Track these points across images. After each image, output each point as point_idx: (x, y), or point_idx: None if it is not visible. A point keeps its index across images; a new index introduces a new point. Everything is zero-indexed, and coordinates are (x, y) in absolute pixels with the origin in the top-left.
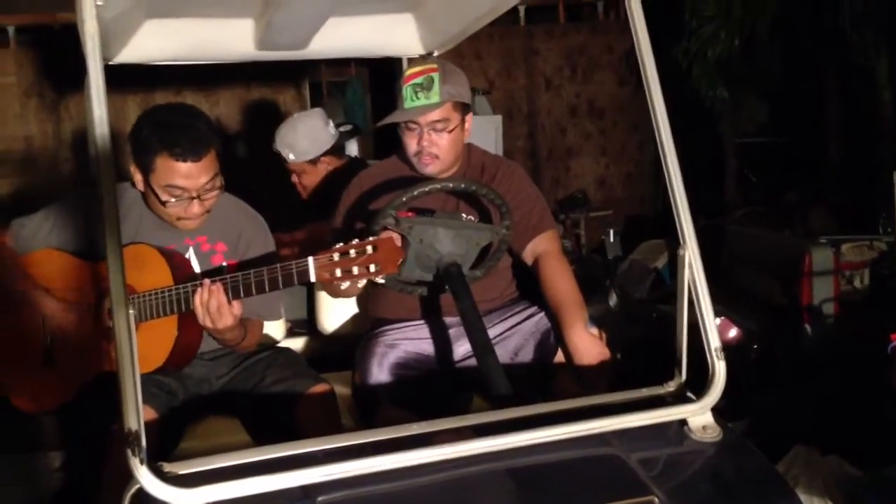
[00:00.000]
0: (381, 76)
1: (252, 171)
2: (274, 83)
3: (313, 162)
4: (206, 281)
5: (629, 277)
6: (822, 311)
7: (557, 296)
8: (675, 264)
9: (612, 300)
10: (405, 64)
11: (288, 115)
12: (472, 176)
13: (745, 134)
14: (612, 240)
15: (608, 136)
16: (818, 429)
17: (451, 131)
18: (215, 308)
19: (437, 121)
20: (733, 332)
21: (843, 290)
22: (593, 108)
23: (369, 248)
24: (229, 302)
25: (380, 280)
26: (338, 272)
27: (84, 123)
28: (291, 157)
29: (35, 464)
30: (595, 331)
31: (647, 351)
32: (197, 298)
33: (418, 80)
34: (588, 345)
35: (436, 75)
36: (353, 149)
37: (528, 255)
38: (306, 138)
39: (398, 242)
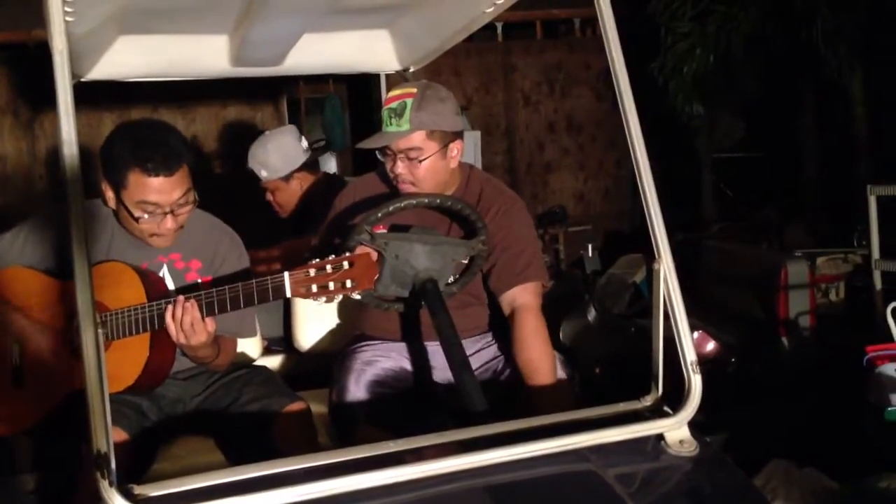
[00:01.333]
0: (359, 93)
1: (228, 188)
2: (251, 100)
3: (286, 179)
4: (180, 297)
5: (608, 292)
6: (798, 324)
7: (530, 364)
8: (652, 278)
9: (591, 315)
10: (383, 80)
11: (265, 131)
12: (466, 199)
13: (720, 149)
14: (590, 254)
15: (586, 152)
16: (795, 442)
17: (423, 160)
18: (189, 324)
19: (409, 149)
20: (711, 346)
21: (819, 304)
22: (571, 123)
23: (345, 264)
24: (203, 318)
25: (356, 296)
26: (314, 288)
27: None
28: (264, 174)
29: (8, 487)
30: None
31: (627, 365)
32: (169, 314)
33: (393, 104)
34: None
35: (409, 101)
36: (331, 166)
37: (505, 302)
38: (277, 155)
39: (374, 258)
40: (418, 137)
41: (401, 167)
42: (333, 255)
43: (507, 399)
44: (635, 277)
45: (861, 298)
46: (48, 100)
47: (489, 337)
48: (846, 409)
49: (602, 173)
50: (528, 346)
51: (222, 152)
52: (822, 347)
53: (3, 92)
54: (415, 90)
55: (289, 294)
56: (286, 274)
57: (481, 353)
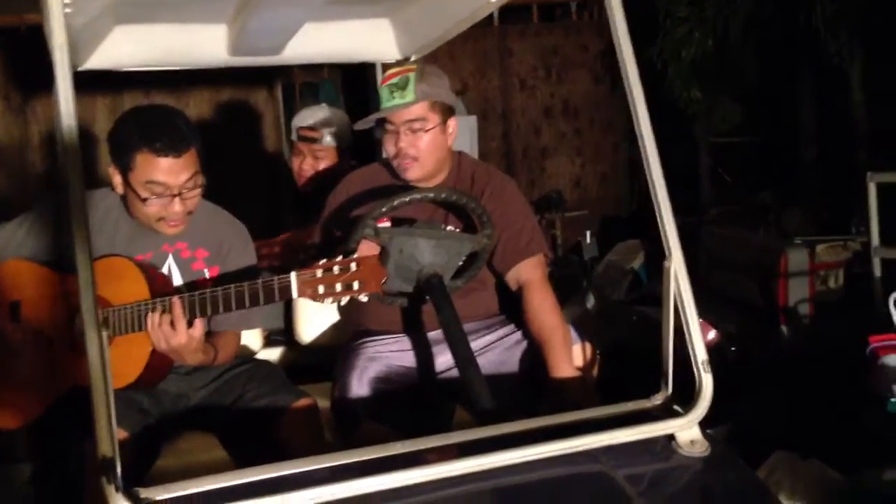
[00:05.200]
0: (354, 78)
1: (224, 173)
2: (245, 85)
3: (339, 151)
4: (167, 300)
5: (606, 279)
6: (797, 311)
7: (541, 331)
8: (651, 265)
9: (590, 302)
10: (379, 67)
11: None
12: (460, 186)
13: (718, 133)
14: (588, 241)
15: (583, 136)
16: (796, 432)
17: (428, 131)
18: (168, 324)
19: (413, 119)
20: (712, 335)
21: (818, 291)
22: (568, 107)
23: (353, 266)
24: (193, 317)
25: (363, 298)
26: (320, 289)
27: (52, 127)
28: (328, 139)
29: (5, 475)
30: (578, 347)
31: (628, 354)
32: (149, 320)
33: (394, 80)
34: (571, 383)
35: (412, 75)
36: None
37: (511, 280)
38: (346, 126)
39: (377, 253)
40: (422, 108)
41: (404, 141)
42: (341, 256)
43: (519, 379)
44: (633, 264)
45: (860, 286)
46: (40, 85)
47: (498, 318)
48: (847, 399)
49: (599, 158)
50: (539, 317)
51: (216, 137)
52: (822, 335)
53: None
54: (414, 66)
55: (295, 295)
56: (293, 274)
57: (492, 332)
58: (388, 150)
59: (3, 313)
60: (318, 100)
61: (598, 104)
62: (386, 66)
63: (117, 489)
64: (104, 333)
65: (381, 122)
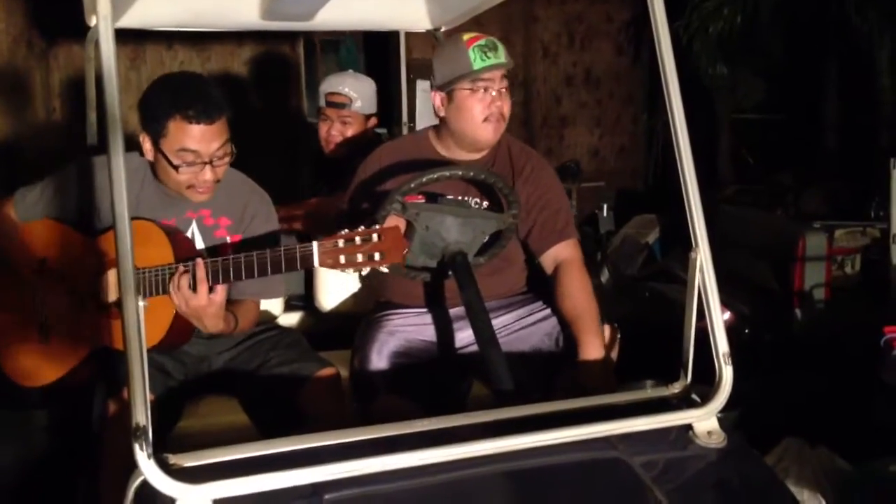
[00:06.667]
0: (374, 37)
1: (243, 127)
2: (267, 40)
3: (367, 117)
4: (190, 263)
5: (621, 253)
6: (812, 296)
7: (574, 310)
8: (666, 241)
9: (604, 276)
10: (402, 33)
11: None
12: (500, 161)
13: (740, 110)
14: (605, 214)
15: (603, 107)
16: (806, 418)
17: (509, 94)
18: (188, 290)
19: (507, 77)
20: (726, 316)
21: (834, 276)
22: (590, 77)
23: (375, 237)
24: (216, 282)
25: (384, 269)
26: (342, 259)
27: (74, 74)
28: (358, 104)
29: (22, 421)
30: (607, 331)
31: (641, 330)
32: (172, 281)
33: (482, 41)
34: (596, 365)
35: (495, 39)
36: None
37: (548, 260)
38: (372, 92)
39: (403, 228)
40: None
41: (499, 101)
42: (363, 226)
43: (536, 358)
44: (648, 238)
45: (877, 272)
46: (64, 31)
47: (519, 297)
48: (859, 387)
49: (618, 129)
50: (574, 295)
51: (237, 91)
52: (836, 321)
53: (18, 21)
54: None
55: (317, 264)
56: (315, 244)
57: (511, 311)
58: (476, 112)
59: (30, 273)
60: (339, 57)
61: (619, 75)
62: (409, 35)
63: (149, 457)
64: (141, 303)
65: (440, 87)
